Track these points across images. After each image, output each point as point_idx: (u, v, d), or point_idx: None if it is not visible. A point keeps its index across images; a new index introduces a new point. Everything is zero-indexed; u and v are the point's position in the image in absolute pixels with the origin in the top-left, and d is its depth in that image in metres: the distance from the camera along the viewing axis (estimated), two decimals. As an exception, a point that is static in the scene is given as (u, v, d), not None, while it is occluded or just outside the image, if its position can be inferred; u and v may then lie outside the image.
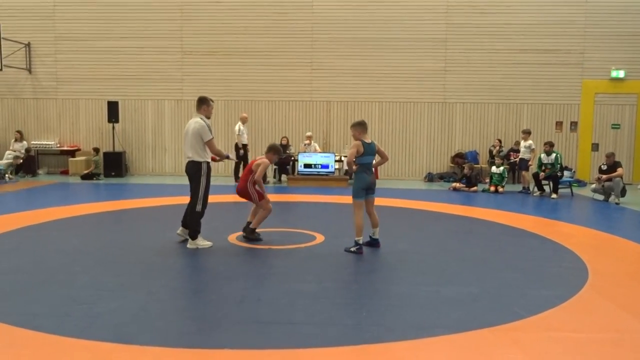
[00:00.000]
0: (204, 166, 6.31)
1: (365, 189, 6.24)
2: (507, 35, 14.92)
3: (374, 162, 6.39)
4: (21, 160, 14.65)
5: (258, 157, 7.13)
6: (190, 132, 6.27)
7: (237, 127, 13.48)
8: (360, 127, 6.28)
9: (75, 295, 4.51)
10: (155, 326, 3.87)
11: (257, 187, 6.77)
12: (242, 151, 13.21)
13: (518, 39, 14.90)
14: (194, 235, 6.40)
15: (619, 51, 14.84)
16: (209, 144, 6.27)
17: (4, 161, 14.09)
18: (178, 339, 3.62)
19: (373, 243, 6.48)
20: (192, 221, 6.42)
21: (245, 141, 13.47)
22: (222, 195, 8.11)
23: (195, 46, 15.32)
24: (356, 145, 6.18)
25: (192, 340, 3.60)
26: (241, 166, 13.42)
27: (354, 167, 6.30)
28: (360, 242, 6.19)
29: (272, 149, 7.03)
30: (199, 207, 6.34)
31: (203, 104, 6.45)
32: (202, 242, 6.41)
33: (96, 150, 14.78)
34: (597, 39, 14.85)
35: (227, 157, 6.86)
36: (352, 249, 6.18)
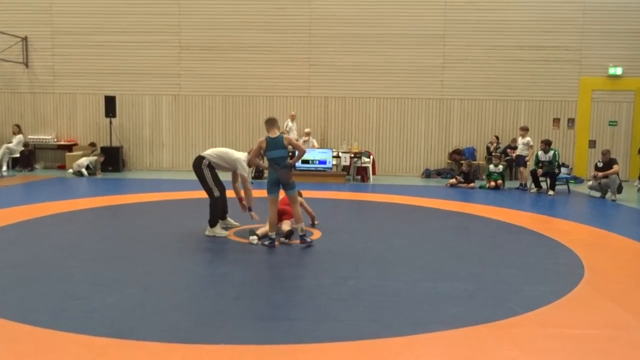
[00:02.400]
0: (205, 161, 6.71)
1: (273, 185, 6.16)
2: (505, 32, 14.91)
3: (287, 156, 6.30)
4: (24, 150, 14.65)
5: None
6: (231, 154, 6.78)
7: (285, 124, 14.33)
8: (266, 124, 6.32)
9: (71, 290, 4.51)
10: (152, 321, 3.87)
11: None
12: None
13: (516, 35, 14.89)
14: (212, 223, 6.75)
15: (616, 48, 14.84)
16: (243, 179, 6.76)
17: None
18: (174, 334, 3.62)
19: (300, 239, 6.27)
20: (214, 209, 6.75)
21: (296, 137, 14.29)
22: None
23: (193, 41, 15.27)
24: (259, 143, 6.25)
25: (189, 336, 3.60)
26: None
27: (262, 163, 6.31)
28: (273, 236, 6.15)
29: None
30: (216, 193, 6.71)
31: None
32: (219, 232, 6.75)
33: (93, 144, 14.74)
34: (595, 36, 14.85)
35: (250, 209, 6.87)
36: (266, 243, 6.18)
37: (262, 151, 6.28)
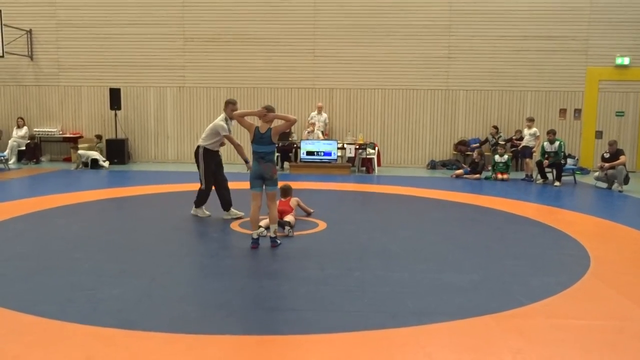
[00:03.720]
0: (201, 150, 7.23)
1: (256, 178, 5.81)
2: (511, 22, 14.79)
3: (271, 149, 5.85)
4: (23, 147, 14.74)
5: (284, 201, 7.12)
6: (210, 125, 7.32)
7: (310, 116, 14.57)
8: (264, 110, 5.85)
9: (78, 281, 4.53)
10: (158, 312, 3.89)
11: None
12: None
13: (522, 25, 14.77)
14: (197, 204, 7.43)
15: (624, 38, 14.70)
16: (227, 138, 7.22)
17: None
18: (180, 324, 3.64)
19: (271, 241, 5.87)
20: (198, 195, 7.38)
21: (320, 129, 14.42)
22: (230, 182, 8.17)
23: (197, 33, 15.24)
24: (250, 125, 5.83)
25: (195, 326, 3.61)
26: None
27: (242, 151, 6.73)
28: (255, 236, 5.78)
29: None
30: (202, 186, 7.31)
31: (227, 104, 7.27)
32: (201, 212, 7.42)
33: (99, 137, 14.79)
34: (602, 26, 14.71)
35: (246, 162, 7.10)
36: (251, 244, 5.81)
37: (250, 135, 5.86)
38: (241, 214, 7.39)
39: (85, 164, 13.59)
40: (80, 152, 13.72)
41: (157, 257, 5.44)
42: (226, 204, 7.38)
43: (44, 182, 11.15)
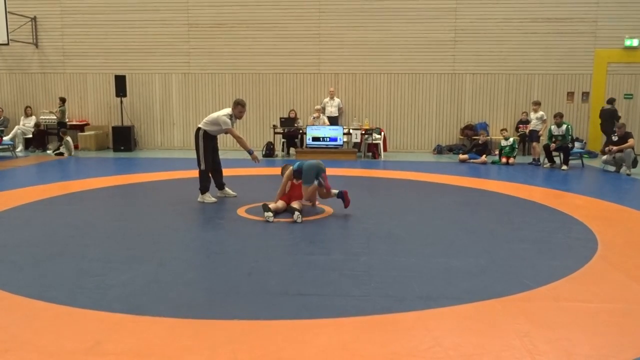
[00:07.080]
0: (201, 132, 7.46)
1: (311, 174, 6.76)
2: (518, 4, 14.62)
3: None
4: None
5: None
6: (213, 115, 7.53)
7: (322, 103, 14.79)
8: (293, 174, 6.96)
9: (86, 267, 4.57)
10: (166, 297, 3.92)
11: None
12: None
13: (529, 7, 14.60)
14: (202, 190, 7.47)
15: (633, 19, 14.50)
16: (229, 132, 7.45)
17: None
18: (188, 309, 3.67)
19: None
20: (199, 178, 7.48)
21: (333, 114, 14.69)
22: (234, 168, 8.17)
23: (201, 18, 15.17)
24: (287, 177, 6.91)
25: (203, 311, 3.64)
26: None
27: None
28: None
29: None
30: (202, 166, 7.47)
31: (236, 105, 7.55)
32: (208, 198, 7.46)
33: (62, 100, 14.70)
34: (610, 7, 14.51)
35: (250, 153, 7.52)
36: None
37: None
38: (234, 193, 7.85)
39: (61, 153, 13.62)
40: (68, 138, 13.78)
41: (165, 243, 5.47)
42: (219, 185, 7.84)
43: (51, 170, 11.20)
